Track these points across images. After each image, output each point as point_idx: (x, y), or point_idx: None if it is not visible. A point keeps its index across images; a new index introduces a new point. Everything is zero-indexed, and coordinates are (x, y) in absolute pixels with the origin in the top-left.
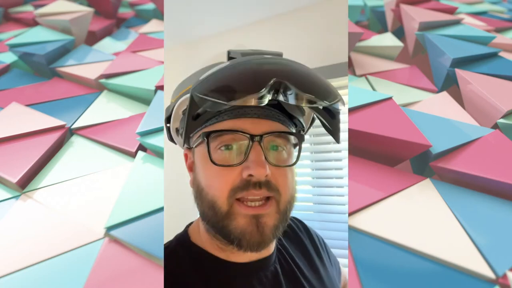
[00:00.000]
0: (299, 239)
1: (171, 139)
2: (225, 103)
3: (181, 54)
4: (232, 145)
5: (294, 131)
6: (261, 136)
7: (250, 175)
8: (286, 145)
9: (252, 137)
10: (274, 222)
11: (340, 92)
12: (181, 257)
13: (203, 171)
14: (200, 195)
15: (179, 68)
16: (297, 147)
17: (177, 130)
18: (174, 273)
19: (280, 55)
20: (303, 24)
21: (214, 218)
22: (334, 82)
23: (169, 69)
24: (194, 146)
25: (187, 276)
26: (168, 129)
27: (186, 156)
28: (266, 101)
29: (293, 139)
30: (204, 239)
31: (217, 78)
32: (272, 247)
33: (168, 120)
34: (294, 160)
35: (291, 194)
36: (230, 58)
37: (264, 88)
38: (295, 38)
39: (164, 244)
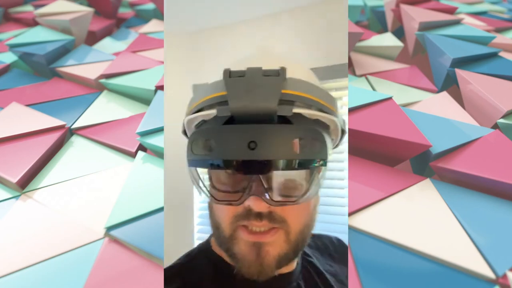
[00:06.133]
0: (333, 258)
1: None
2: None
3: (181, 53)
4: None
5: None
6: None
7: (250, 207)
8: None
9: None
10: (280, 251)
11: (340, 93)
12: (200, 264)
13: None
14: (210, 211)
15: (179, 68)
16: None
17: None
18: (193, 279)
19: (276, 74)
20: (302, 23)
21: (219, 239)
22: (334, 84)
23: (169, 69)
24: None
25: (205, 284)
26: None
27: None
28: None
29: None
30: None
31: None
32: (292, 265)
33: (185, 133)
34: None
35: (304, 223)
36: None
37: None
38: (294, 36)
39: (187, 252)
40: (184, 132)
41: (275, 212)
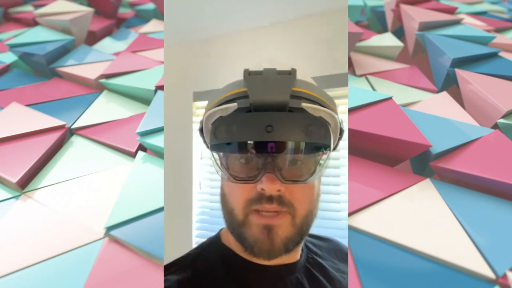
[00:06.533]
0: (337, 258)
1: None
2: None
3: (181, 54)
4: (249, 156)
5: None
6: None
7: (263, 189)
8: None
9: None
10: (287, 234)
11: (341, 101)
12: (211, 255)
13: None
14: (223, 199)
15: (179, 68)
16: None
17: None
18: (204, 269)
19: (288, 73)
20: (303, 32)
21: (232, 225)
22: (334, 92)
23: (169, 69)
24: None
25: (214, 273)
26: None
27: None
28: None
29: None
30: (231, 240)
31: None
32: (296, 256)
33: (201, 130)
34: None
35: (309, 209)
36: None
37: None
38: (295, 46)
39: (198, 244)
40: (201, 130)
41: (284, 196)
